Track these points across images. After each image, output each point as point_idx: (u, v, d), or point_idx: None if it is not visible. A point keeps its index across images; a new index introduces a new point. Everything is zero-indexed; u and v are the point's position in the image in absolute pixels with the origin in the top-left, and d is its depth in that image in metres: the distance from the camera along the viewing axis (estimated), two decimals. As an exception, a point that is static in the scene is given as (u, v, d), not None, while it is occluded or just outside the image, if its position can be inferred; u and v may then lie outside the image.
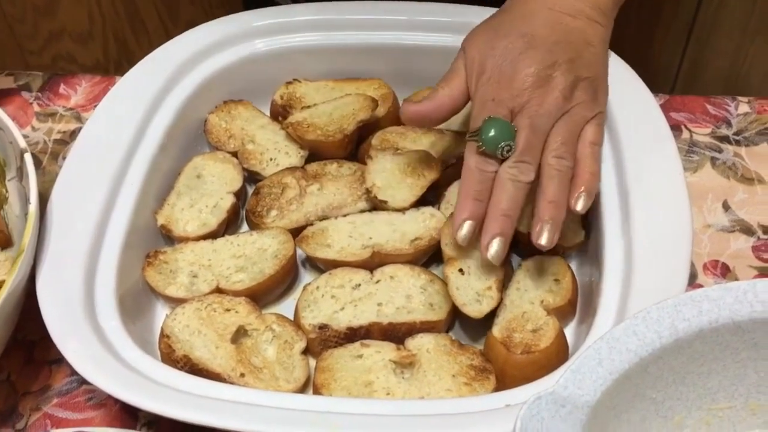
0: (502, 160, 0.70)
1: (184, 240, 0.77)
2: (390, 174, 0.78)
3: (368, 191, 0.77)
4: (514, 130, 0.69)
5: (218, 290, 0.74)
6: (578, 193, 0.70)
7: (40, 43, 1.72)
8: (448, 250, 0.72)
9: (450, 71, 0.75)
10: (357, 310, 0.72)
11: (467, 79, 0.74)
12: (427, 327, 0.71)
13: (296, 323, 0.72)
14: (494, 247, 0.68)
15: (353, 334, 0.71)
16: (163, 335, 0.71)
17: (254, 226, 0.79)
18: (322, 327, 0.71)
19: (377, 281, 0.73)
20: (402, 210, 0.77)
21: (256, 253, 0.76)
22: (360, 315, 0.72)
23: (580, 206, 0.70)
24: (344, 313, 0.72)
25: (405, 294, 0.72)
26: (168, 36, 0.87)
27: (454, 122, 0.83)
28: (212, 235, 0.77)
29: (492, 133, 0.69)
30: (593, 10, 0.75)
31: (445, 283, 0.72)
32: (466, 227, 0.69)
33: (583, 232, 0.75)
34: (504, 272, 0.72)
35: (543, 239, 0.68)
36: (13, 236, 0.79)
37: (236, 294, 0.73)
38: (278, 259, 0.75)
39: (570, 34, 0.73)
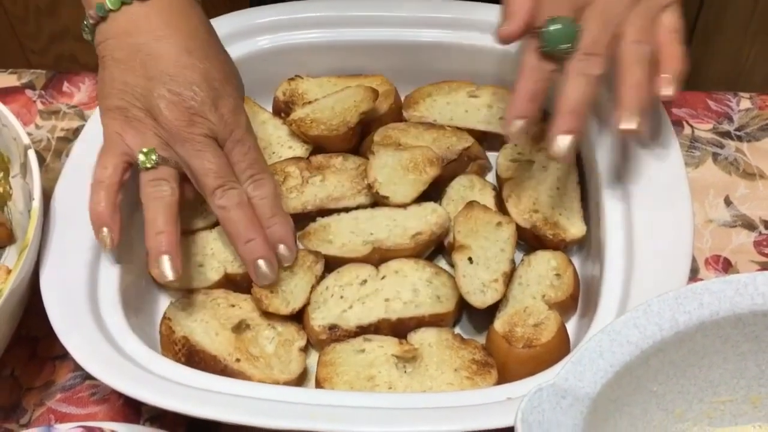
0: (562, 61, 0.67)
1: (184, 232, 0.77)
2: (392, 170, 0.78)
3: (370, 187, 0.77)
4: (578, 30, 0.67)
5: (226, 276, 0.74)
6: (665, 77, 0.67)
7: (42, 43, 1.73)
8: (460, 237, 0.73)
9: None
10: (365, 307, 0.72)
11: None
12: (435, 320, 0.71)
13: (302, 324, 0.72)
14: (563, 143, 0.66)
15: (363, 333, 0.71)
16: (165, 317, 0.72)
17: None
18: (332, 327, 0.71)
19: (383, 277, 0.73)
20: (404, 206, 0.77)
21: None
22: (368, 312, 0.72)
23: (669, 91, 0.67)
24: (353, 312, 0.72)
25: (411, 288, 0.73)
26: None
27: (456, 118, 0.84)
28: (211, 228, 0.78)
29: (554, 31, 0.67)
30: None
31: (450, 275, 0.73)
32: (518, 124, 0.68)
33: (584, 227, 0.75)
34: (512, 268, 0.72)
35: (624, 123, 0.66)
36: (17, 233, 0.79)
37: (244, 278, 0.73)
38: None
39: None
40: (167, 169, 0.70)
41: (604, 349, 0.53)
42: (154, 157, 0.69)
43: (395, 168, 0.78)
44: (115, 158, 0.71)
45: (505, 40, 0.70)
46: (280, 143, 0.84)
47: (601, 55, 0.67)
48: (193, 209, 0.78)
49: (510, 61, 0.83)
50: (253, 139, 0.72)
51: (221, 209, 0.70)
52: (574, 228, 0.75)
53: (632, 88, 0.66)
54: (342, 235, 0.76)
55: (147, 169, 0.69)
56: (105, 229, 0.70)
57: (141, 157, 0.69)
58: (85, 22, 0.72)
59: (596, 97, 0.68)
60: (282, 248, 0.72)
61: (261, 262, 0.71)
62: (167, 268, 0.68)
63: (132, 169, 0.72)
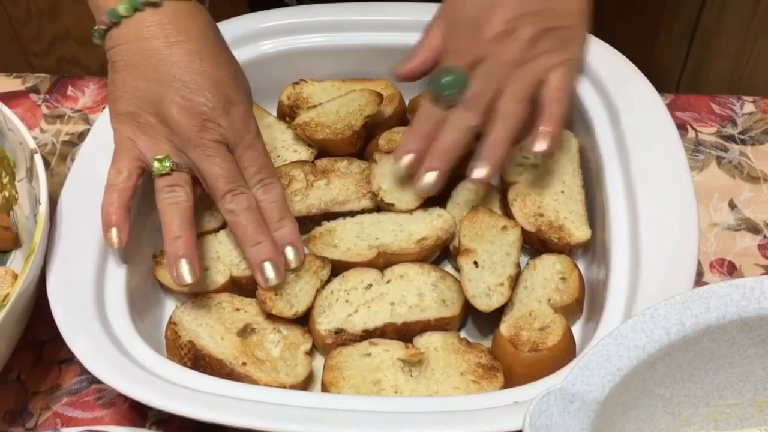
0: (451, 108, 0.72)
1: None
2: (394, 177, 0.78)
3: (374, 195, 0.78)
4: (466, 81, 0.71)
5: (232, 279, 0.74)
6: (537, 134, 0.71)
7: (44, 46, 1.73)
8: (465, 241, 0.73)
9: (430, 22, 0.77)
10: (371, 311, 0.72)
11: (443, 30, 0.75)
12: (441, 324, 0.71)
13: (308, 328, 0.73)
14: (427, 179, 0.72)
15: (369, 337, 0.71)
16: (171, 322, 0.72)
17: None
18: (338, 331, 0.71)
19: (388, 281, 0.73)
20: (409, 211, 0.77)
21: None
22: (374, 316, 0.72)
23: (537, 147, 0.71)
24: (358, 316, 0.72)
25: (417, 292, 0.73)
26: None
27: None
28: (216, 231, 0.78)
29: (440, 81, 0.72)
30: None
31: (455, 279, 0.73)
32: (405, 158, 0.73)
33: (590, 231, 0.75)
34: (517, 271, 0.72)
35: (475, 173, 0.71)
36: (23, 237, 0.79)
37: (250, 281, 0.73)
38: None
39: None
40: (181, 175, 0.71)
41: (611, 353, 0.53)
42: (167, 164, 0.70)
43: (397, 175, 0.78)
44: (129, 163, 0.71)
45: (398, 77, 0.76)
46: (285, 147, 0.84)
47: (477, 110, 0.71)
48: (199, 213, 0.79)
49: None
50: (262, 143, 0.73)
51: (230, 213, 0.71)
52: (579, 232, 0.75)
53: (491, 144, 0.71)
54: (347, 239, 0.76)
55: (161, 175, 0.70)
56: (114, 230, 0.71)
57: (156, 165, 0.70)
58: (95, 28, 0.72)
59: (468, 143, 0.72)
60: (289, 250, 0.73)
61: (267, 264, 0.71)
62: (185, 272, 0.69)
63: (145, 174, 0.72)
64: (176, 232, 0.70)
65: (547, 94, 0.72)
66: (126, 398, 0.71)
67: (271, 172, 0.73)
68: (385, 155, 0.79)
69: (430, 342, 0.70)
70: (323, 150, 0.83)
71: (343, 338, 0.71)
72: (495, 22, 0.72)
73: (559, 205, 0.76)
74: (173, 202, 0.70)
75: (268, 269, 0.71)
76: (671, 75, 1.61)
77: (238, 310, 0.73)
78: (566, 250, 0.75)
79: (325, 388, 0.69)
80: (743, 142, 0.86)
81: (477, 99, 0.71)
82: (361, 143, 0.83)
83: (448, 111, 0.72)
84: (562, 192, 0.77)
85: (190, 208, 0.71)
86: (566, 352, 0.68)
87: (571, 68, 0.74)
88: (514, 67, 0.71)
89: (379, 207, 0.78)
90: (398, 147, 0.75)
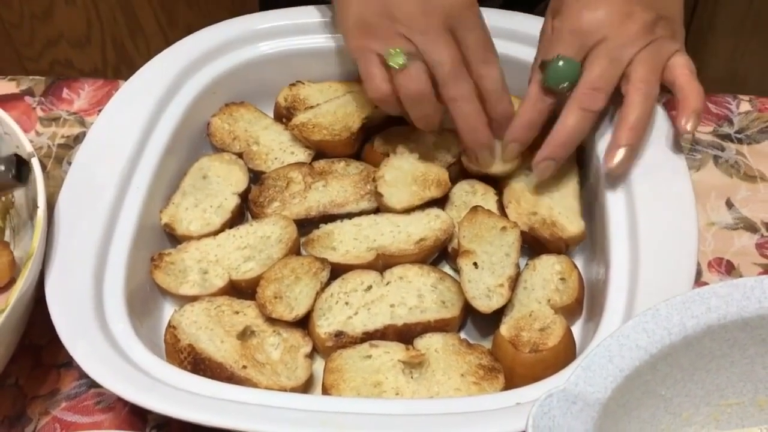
0: (561, 96, 0.71)
1: (187, 239, 0.78)
2: (401, 174, 0.78)
3: (374, 179, 0.78)
4: (579, 71, 0.71)
5: (231, 283, 0.74)
6: (688, 113, 0.70)
7: (37, 49, 1.73)
8: (465, 242, 0.73)
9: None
10: (370, 313, 0.72)
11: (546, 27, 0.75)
12: (441, 325, 0.71)
13: (308, 330, 0.72)
14: (546, 170, 0.73)
15: (369, 339, 0.71)
16: (170, 326, 0.72)
17: (255, 216, 0.80)
18: (338, 334, 0.71)
19: (387, 283, 0.73)
20: (395, 211, 0.77)
21: (259, 241, 0.76)
22: (374, 318, 0.72)
23: (690, 126, 0.70)
24: (358, 318, 0.72)
25: (416, 294, 0.73)
26: (166, 40, 0.87)
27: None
28: (215, 235, 0.78)
29: (557, 70, 0.71)
30: None
31: (455, 280, 0.73)
32: (512, 147, 0.74)
33: (583, 223, 0.75)
34: (517, 272, 0.72)
35: (614, 163, 0.70)
36: (21, 242, 0.79)
37: (249, 284, 0.73)
38: (283, 243, 0.76)
39: None
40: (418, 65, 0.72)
41: (613, 353, 0.53)
42: (401, 59, 0.71)
43: (405, 174, 0.78)
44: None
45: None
46: (282, 149, 0.84)
47: (604, 91, 0.70)
48: (197, 216, 0.79)
49: (509, 67, 0.84)
50: (482, 20, 0.72)
51: (452, 101, 0.72)
52: (572, 225, 0.75)
53: (631, 129, 0.70)
54: (346, 241, 0.76)
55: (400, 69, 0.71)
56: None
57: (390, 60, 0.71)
58: None
59: (588, 132, 0.72)
60: (513, 146, 0.75)
61: (484, 152, 0.74)
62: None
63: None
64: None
65: (681, 74, 0.71)
66: (125, 402, 0.71)
67: (492, 49, 0.72)
68: (408, 150, 0.80)
69: (430, 343, 0.70)
70: (321, 151, 0.83)
71: (343, 341, 0.71)
72: (611, 5, 0.70)
73: (553, 202, 0.76)
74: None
75: (484, 156, 0.74)
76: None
77: (237, 313, 0.73)
78: (561, 246, 0.75)
79: (325, 391, 0.69)
80: (740, 141, 0.87)
81: (603, 80, 0.70)
82: (359, 145, 0.83)
83: (573, 92, 0.71)
84: (558, 189, 0.77)
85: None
86: (567, 352, 0.68)
87: (687, 56, 0.73)
88: (636, 48, 0.70)
89: (378, 206, 0.78)
90: (506, 134, 0.75)
